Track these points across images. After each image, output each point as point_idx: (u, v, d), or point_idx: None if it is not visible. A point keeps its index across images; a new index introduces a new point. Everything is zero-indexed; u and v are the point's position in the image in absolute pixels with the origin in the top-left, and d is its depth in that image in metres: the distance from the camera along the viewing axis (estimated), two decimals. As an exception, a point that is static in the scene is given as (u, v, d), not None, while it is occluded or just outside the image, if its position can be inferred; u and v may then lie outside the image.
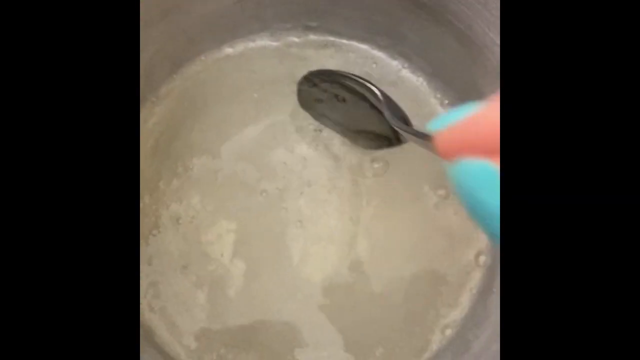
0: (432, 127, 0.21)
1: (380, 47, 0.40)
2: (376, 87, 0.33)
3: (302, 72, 0.41)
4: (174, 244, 0.37)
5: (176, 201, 0.38)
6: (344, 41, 0.41)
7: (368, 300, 0.37)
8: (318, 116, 0.39)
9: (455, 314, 0.36)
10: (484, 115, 0.18)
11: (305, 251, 0.37)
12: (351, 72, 0.35)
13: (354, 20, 0.39)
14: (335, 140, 0.39)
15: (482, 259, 0.37)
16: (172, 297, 0.37)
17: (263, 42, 0.41)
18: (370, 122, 0.35)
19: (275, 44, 0.41)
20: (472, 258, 0.37)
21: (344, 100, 0.37)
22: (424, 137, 0.23)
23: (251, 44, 0.41)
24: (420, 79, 0.40)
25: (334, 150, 0.39)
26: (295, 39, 0.41)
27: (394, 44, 0.39)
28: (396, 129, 0.31)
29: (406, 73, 0.40)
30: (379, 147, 0.36)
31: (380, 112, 0.33)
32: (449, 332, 0.36)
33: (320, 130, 0.39)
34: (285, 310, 0.37)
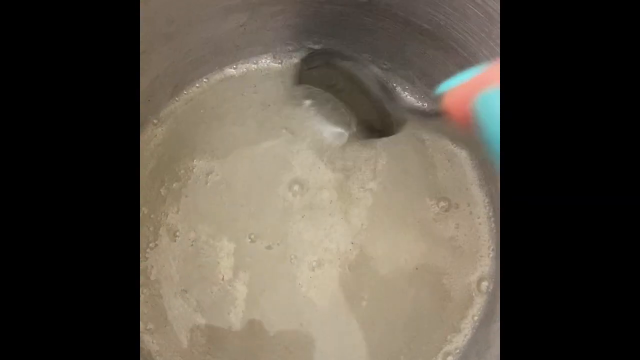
0: (441, 89, 0.24)
1: (383, 70, 0.40)
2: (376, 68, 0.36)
3: (306, 92, 0.41)
4: (174, 266, 0.37)
5: (176, 223, 0.38)
6: (348, 64, 0.40)
7: (370, 324, 0.36)
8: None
9: (457, 341, 0.36)
10: (492, 70, 0.21)
11: (307, 274, 0.37)
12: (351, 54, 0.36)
13: (357, 43, 0.38)
14: (337, 161, 0.39)
15: (484, 284, 0.37)
16: (172, 320, 0.37)
17: (265, 63, 0.40)
18: (363, 110, 0.36)
19: (277, 65, 0.41)
20: (474, 282, 0.37)
21: (339, 90, 0.37)
22: (433, 112, 0.26)
23: (253, 66, 0.40)
24: (424, 103, 0.40)
25: (335, 171, 0.39)
26: (298, 61, 0.40)
27: (396, 67, 0.39)
28: (404, 111, 0.33)
29: (408, 96, 0.40)
30: (370, 137, 0.38)
31: (372, 100, 0.34)
32: (450, 359, 0.36)
33: (323, 152, 0.39)
34: (285, 334, 0.36)
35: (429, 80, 0.39)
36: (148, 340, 0.37)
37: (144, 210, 0.38)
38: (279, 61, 0.41)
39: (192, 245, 0.37)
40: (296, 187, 0.39)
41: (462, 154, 0.40)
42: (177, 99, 0.39)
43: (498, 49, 0.31)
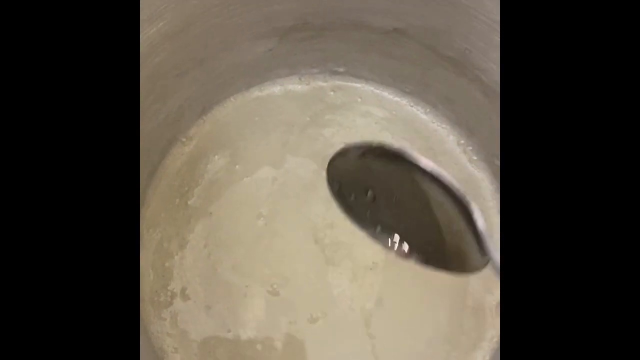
0: None
1: (405, 94, 0.41)
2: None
3: (329, 115, 0.42)
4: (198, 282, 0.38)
5: (200, 240, 0.38)
6: (371, 87, 0.41)
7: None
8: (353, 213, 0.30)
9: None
10: None
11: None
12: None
13: (381, 68, 0.39)
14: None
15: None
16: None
17: (291, 86, 0.41)
18: (420, 230, 0.28)
19: (302, 87, 0.42)
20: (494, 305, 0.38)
21: (374, 198, 0.29)
22: None
23: (279, 88, 0.41)
24: (444, 126, 0.41)
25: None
26: (322, 84, 0.42)
27: (419, 91, 0.40)
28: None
29: (430, 119, 0.41)
30: (455, 270, 0.27)
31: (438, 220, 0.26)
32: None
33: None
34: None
35: (450, 104, 0.40)
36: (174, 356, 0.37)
37: (167, 227, 0.39)
38: (305, 83, 0.42)
39: (213, 267, 0.38)
40: (320, 209, 0.40)
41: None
42: (204, 118, 0.40)
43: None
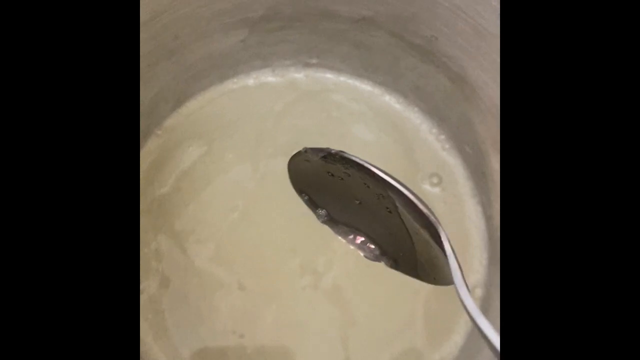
0: None
1: (377, 84, 0.42)
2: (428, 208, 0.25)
3: (303, 106, 0.42)
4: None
5: (177, 230, 0.39)
6: (342, 78, 0.42)
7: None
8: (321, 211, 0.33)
9: (451, 347, 0.37)
10: None
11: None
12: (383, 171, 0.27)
13: (353, 58, 0.40)
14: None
15: (478, 291, 0.38)
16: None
17: (264, 78, 0.42)
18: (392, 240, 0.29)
19: (275, 79, 0.42)
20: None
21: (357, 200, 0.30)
22: None
23: (253, 80, 0.42)
24: (417, 115, 0.42)
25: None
26: (296, 75, 0.42)
27: (391, 81, 0.41)
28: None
29: (403, 109, 0.42)
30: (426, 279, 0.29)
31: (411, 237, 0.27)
32: (444, 363, 0.37)
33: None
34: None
35: (420, 93, 0.40)
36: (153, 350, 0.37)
37: (143, 218, 0.39)
38: (278, 75, 0.42)
39: (189, 257, 0.39)
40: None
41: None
42: (178, 111, 0.41)
43: (486, 63, 0.33)
